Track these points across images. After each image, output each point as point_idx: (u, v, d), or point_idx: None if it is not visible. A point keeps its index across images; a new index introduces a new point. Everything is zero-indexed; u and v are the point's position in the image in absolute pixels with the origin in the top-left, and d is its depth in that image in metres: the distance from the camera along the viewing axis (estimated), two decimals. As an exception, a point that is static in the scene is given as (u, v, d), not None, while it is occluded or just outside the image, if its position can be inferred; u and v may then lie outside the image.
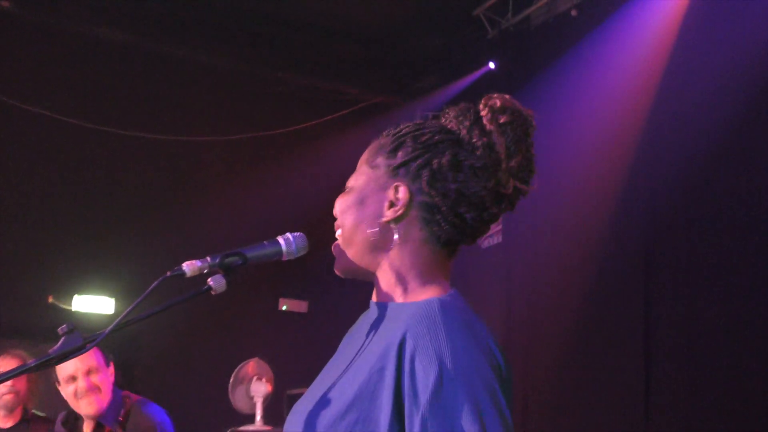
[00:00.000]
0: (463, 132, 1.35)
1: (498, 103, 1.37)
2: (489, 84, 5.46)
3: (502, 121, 1.35)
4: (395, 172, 1.35)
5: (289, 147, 6.09)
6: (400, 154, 1.36)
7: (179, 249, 5.58)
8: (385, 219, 1.34)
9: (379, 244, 1.34)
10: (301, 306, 6.23)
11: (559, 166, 4.69)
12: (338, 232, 1.40)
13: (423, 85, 6.16)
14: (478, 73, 5.71)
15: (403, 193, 1.34)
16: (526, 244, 5.21)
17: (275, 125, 6.02)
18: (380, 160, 1.38)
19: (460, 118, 1.37)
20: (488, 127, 1.35)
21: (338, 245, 1.39)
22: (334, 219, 1.41)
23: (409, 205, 1.33)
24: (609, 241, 4.53)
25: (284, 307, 6.21)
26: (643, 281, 4.32)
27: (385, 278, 1.34)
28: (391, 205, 1.34)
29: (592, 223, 4.65)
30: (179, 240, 5.42)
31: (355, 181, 1.40)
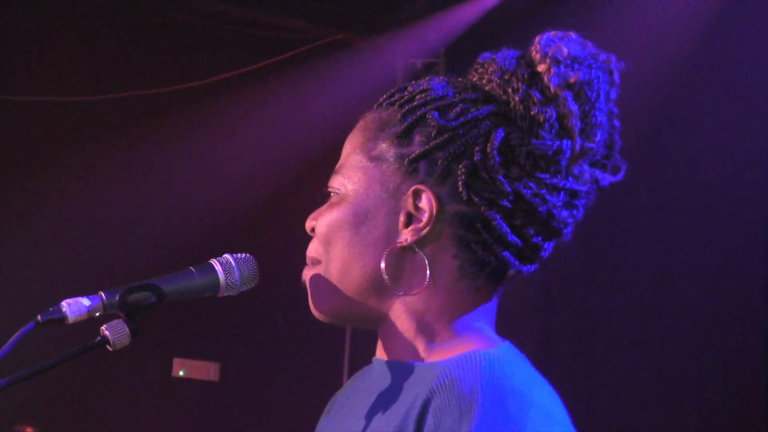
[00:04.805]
0: (516, 100, 1.35)
1: (565, 51, 1.38)
2: (523, 10, 5.34)
3: (573, 80, 1.36)
4: (412, 167, 1.37)
5: (198, 107, 6.03)
6: (417, 138, 1.37)
7: (25, 265, 5.54)
8: (401, 243, 1.36)
9: (391, 282, 1.36)
10: (209, 370, 6.18)
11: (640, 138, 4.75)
12: (313, 269, 1.41)
13: (404, 15, 6.09)
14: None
15: (428, 200, 1.35)
16: (581, 264, 5.27)
17: (174, 77, 6.01)
18: (385, 148, 1.40)
19: (507, 77, 1.37)
20: (553, 90, 1.36)
21: (317, 273, 1.42)
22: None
23: (438, 219, 1.34)
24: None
25: (181, 373, 6.19)
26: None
27: (401, 328, 1.37)
28: (410, 219, 1.36)
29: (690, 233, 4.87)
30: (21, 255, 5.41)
31: (347, 182, 1.41)
